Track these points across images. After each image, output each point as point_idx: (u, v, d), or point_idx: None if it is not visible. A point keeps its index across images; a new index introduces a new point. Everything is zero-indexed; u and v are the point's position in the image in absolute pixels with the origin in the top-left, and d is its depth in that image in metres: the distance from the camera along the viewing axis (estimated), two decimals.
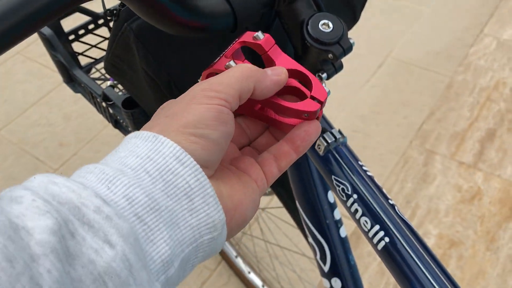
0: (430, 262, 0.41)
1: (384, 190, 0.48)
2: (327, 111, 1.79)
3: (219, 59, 0.38)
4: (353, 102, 1.80)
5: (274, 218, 1.27)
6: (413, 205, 1.49)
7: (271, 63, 0.39)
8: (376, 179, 0.49)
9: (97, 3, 0.52)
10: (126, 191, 0.27)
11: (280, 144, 0.36)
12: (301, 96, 0.38)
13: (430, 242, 1.40)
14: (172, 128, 0.30)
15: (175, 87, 0.47)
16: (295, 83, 0.38)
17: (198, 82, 0.38)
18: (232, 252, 1.34)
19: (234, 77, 0.32)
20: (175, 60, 0.46)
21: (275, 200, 1.38)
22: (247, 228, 1.37)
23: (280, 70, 0.35)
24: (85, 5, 0.80)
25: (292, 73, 0.38)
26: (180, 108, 0.31)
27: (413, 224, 1.44)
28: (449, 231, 1.42)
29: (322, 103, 0.37)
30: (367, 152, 1.64)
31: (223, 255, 1.37)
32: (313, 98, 0.37)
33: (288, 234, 1.29)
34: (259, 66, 0.38)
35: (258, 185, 0.34)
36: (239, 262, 1.33)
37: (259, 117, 0.39)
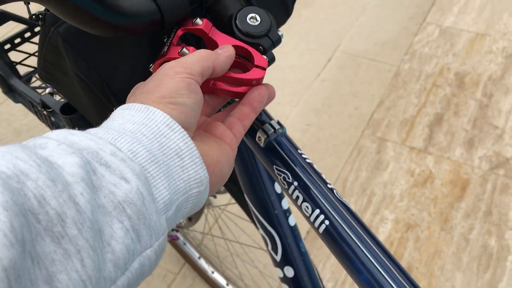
0: (368, 240, 0.43)
1: (324, 176, 0.49)
2: (280, 106, 1.80)
3: (168, 48, 0.43)
4: (306, 96, 1.83)
5: (233, 217, 1.27)
6: (369, 193, 1.52)
7: (213, 43, 0.44)
8: (315, 166, 0.50)
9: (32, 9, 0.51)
10: (130, 146, 0.31)
11: (240, 108, 0.43)
12: (244, 67, 0.45)
13: (387, 227, 1.44)
14: (151, 100, 0.35)
15: (108, 88, 0.47)
16: (236, 57, 0.44)
17: (150, 70, 0.43)
18: (194, 254, 1.34)
19: (195, 58, 0.38)
20: (105, 61, 0.46)
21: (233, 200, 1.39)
22: (207, 229, 1.37)
23: (227, 47, 0.41)
24: (19, 13, 0.79)
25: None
26: (154, 84, 0.36)
27: (369, 210, 1.47)
28: (404, 215, 1.46)
29: (265, 69, 0.44)
30: (321, 144, 1.67)
31: (186, 257, 1.36)
32: (257, 66, 0.44)
33: (248, 231, 1.30)
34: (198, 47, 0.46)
35: (232, 148, 0.40)
36: (202, 263, 1.33)
37: (214, 91, 0.45)
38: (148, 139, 0.33)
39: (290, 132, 1.69)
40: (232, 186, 0.78)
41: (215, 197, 1.05)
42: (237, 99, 0.47)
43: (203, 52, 0.39)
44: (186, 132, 0.35)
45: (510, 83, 1.79)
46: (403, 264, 1.36)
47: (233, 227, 1.33)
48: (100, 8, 0.38)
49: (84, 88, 0.48)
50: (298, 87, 1.86)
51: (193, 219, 1.02)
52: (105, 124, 0.34)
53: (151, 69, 0.44)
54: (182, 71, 0.36)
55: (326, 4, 2.21)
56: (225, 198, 1.49)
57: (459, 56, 1.91)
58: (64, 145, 0.28)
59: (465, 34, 2.00)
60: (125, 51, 0.46)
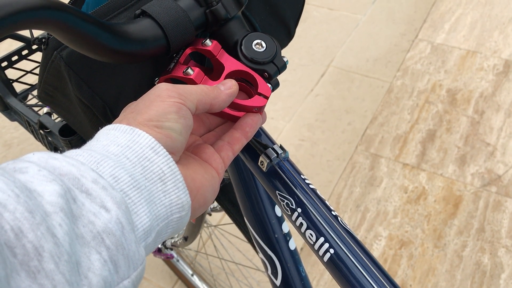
0: (374, 270, 0.42)
1: (327, 202, 0.48)
2: (274, 121, 1.80)
3: (175, 65, 0.43)
4: (299, 111, 1.83)
5: (227, 235, 1.26)
6: (363, 209, 1.52)
7: (220, 65, 0.44)
8: (319, 192, 0.50)
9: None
10: (113, 171, 0.31)
11: (232, 132, 0.43)
12: (247, 91, 0.46)
13: (381, 244, 1.44)
14: (137, 122, 0.35)
15: (111, 113, 0.46)
16: (240, 82, 0.45)
17: (155, 85, 0.42)
18: (188, 271, 1.33)
19: (194, 90, 0.38)
20: (109, 86, 0.45)
21: (227, 217, 1.38)
22: (201, 246, 1.36)
23: (230, 83, 0.41)
24: None
25: (239, 73, 0.45)
26: (145, 105, 0.36)
27: (363, 227, 1.47)
28: (398, 232, 1.46)
29: (267, 98, 0.44)
30: (315, 160, 1.66)
31: (179, 274, 1.35)
32: (259, 94, 0.44)
33: (242, 249, 1.29)
34: (203, 63, 0.49)
35: (218, 172, 0.40)
36: (195, 280, 1.32)
37: (214, 113, 0.45)
38: (131, 163, 0.32)
39: None
40: (229, 207, 0.77)
41: (210, 214, 1.04)
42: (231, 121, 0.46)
43: (205, 87, 0.39)
44: (171, 156, 0.34)
45: (501, 100, 1.80)
46: (397, 281, 1.36)
47: (227, 244, 1.32)
48: (105, 34, 0.37)
49: (85, 111, 0.47)
50: (292, 102, 1.86)
51: (189, 238, 1.00)
52: (89, 144, 0.34)
53: (156, 83, 0.44)
54: (175, 95, 0.36)
55: (318, 20, 2.22)
56: (219, 215, 1.48)
57: (451, 73, 1.93)
58: (45, 170, 0.28)
59: (456, 51, 2.02)
60: (129, 76, 0.46)
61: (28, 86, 0.80)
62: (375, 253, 1.42)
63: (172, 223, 0.34)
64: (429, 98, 1.85)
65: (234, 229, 1.00)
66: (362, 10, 2.26)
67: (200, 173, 0.38)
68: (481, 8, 2.20)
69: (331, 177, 1.61)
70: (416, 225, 1.47)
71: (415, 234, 1.45)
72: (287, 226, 0.63)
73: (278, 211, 0.62)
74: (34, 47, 0.76)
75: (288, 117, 1.81)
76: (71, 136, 0.57)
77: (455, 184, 1.57)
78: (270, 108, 1.83)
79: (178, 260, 1.32)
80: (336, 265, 0.44)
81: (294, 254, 0.62)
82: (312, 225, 0.46)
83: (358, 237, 1.46)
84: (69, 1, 0.46)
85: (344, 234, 0.45)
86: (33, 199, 0.26)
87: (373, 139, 1.72)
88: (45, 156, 0.30)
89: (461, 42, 2.06)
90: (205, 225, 1.16)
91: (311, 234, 0.46)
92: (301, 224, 0.47)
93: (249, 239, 0.77)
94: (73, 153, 0.32)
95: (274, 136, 1.72)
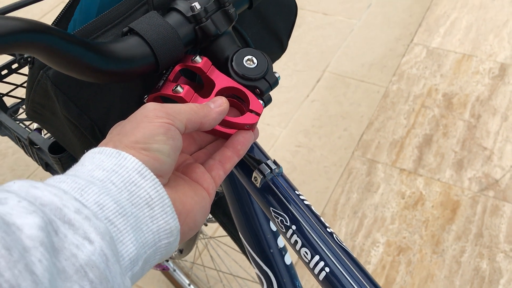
0: None
1: (322, 219, 0.48)
2: (270, 128, 1.78)
3: (164, 83, 0.42)
4: (295, 117, 1.83)
5: (223, 245, 1.25)
6: (360, 215, 1.51)
7: (210, 82, 0.44)
8: (313, 207, 0.49)
9: None
10: (97, 198, 0.30)
11: (223, 151, 0.42)
12: (238, 107, 0.45)
13: (378, 250, 1.43)
14: (123, 145, 0.34)
15: (99, 132, 0.45)
16: (231, 98, 0.44)
17: (144, 103, 0.41)
18: (184, 281, 1.32)
19: (183, 109, 0.37)
20: (97, 105, 0.44)
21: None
22: (197, 256, 1.35)
23: (221, 101, 0.40)
24: None
25: (230, 89, 0.44)
26: (132, 126, 0.35)
27: (361, 233, 1.46)
28: (396, 238, 1.45)
29: (259, 115, 0.43)
30: (312, 166, 1.66)
31: (176, 284, 1.34)
32: (251, 111, 0.43)
33: (238, 260, 1.28)
34: (193, 79, 0.48)
35: (209, 193, 0.39)
36: None
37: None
38: (117, 188, 0.32)
39: (280, 154, 1.68)
40: (225, 220, 0.76)
41: (206, 225, 1.03)
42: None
43: (194, 105, 0.38)
44: (159, 179, 0.33)
45: (498, 104, 1.80)
46: None
47: (223, 255, 1.31)
48: (91, 55, 0.36)
49: (73, 130, 0.46)
50: (287, 108, 1.86)
51: (184, 251, 0.99)
52: (74, 169, 0.33)
53: (145, 101, 0.43)
54: (163, 115, 0.35)
55: (314, 25, 2.22)
56: (214, 227, 1.47)
57: (447, 77, 1.93)
58: (25, 201, 0.27)
59: (452, 55, 2.01)
60: (118, 94, 0.45)
61: (19, 100, 0.79)
62: (373, 260, 1.41)
63: (160, 249, 0.33)
64: (425, 102, 1.84)
65: (230, 240, 0.99)
66: (357, 15, 2.26)
67: (189, 195, 0.37)
68: (476, 12, 2.20)
69: (328, 183, 1.60)
70: (414, 231, 1.47)
71: (413, 240, 1.45)
72: (282, 241, 0.62)
73: (273, 225, 0.61)
74: None
75: (284, 123, 1.80)
76: (61, 153, 0.56)
77: (453, 189, 1.56)
78: (266, 114, 1.82)
79: (174, 270, 1.31)
80: (331, 283, 0.43)
81: (290, 269, 0.61)
82: (307, 242, 0.46)
83: (356, 243, 1.44)
84: (54, 21, 0.46)
85: (339, 252, 0.44)
86: (11, 234, 0.25)
87: (370, 145, 1.71)
88: (25, 185, 0.29)
89: (457, 46, 2.05)
90: (201, 235, 1.15)
91: (306, 252, 0.46)
92: (296, 241, 0.47)
93: (245, 252, 0.76)
94: (56, 180, 0.31)
95: (270, 143, 1.71)
